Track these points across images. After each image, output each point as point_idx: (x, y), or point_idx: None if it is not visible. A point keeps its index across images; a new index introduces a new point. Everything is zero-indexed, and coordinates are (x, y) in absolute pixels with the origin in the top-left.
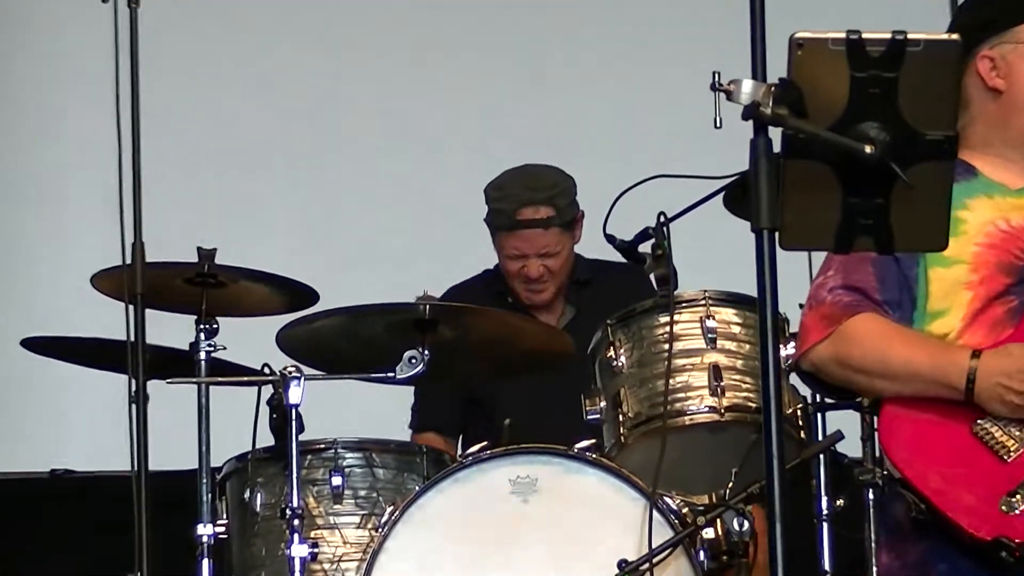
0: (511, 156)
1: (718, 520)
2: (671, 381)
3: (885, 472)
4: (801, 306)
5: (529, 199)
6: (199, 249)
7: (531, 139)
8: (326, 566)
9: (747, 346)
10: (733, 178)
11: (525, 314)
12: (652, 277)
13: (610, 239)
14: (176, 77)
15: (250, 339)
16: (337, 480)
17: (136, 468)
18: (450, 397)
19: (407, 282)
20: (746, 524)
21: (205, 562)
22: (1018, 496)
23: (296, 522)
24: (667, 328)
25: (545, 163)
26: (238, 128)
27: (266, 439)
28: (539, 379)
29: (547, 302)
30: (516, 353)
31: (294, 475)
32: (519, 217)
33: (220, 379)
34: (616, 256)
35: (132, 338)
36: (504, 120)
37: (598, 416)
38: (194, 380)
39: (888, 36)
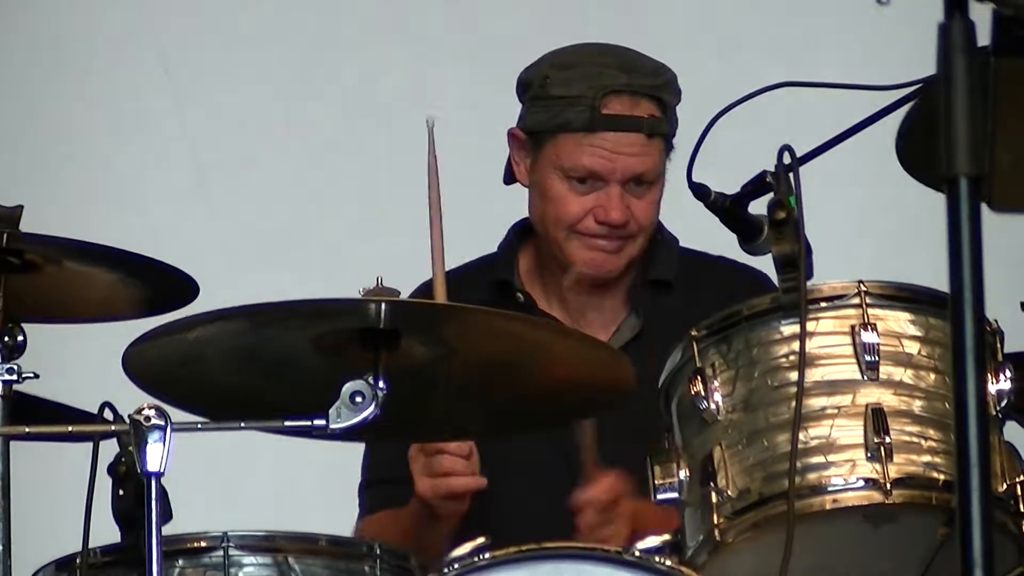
0: (509, 65)
1: None
2: (802, 436)
3: None
4: None
5: (626, 84)
6: None
7: (547, 33)
8: None
9: (931, 376)
10: (907, 90)
11: (548, 320)
12: (772, 256)
13: (699, 192)
14: None
15: (81, 361)
16: None
17: None
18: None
19: (346, 272)
20: None
21: None
22: None
23: None
24: (795, 345)
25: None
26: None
27: (108, 532)
28: (572, 430)
29: (617, 271)
30: (536, 389)
31: None
32: (607, 110)
33: (28, 429)
34: (715, 238)
35: None
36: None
37: (675, 495)
38: None
39: None
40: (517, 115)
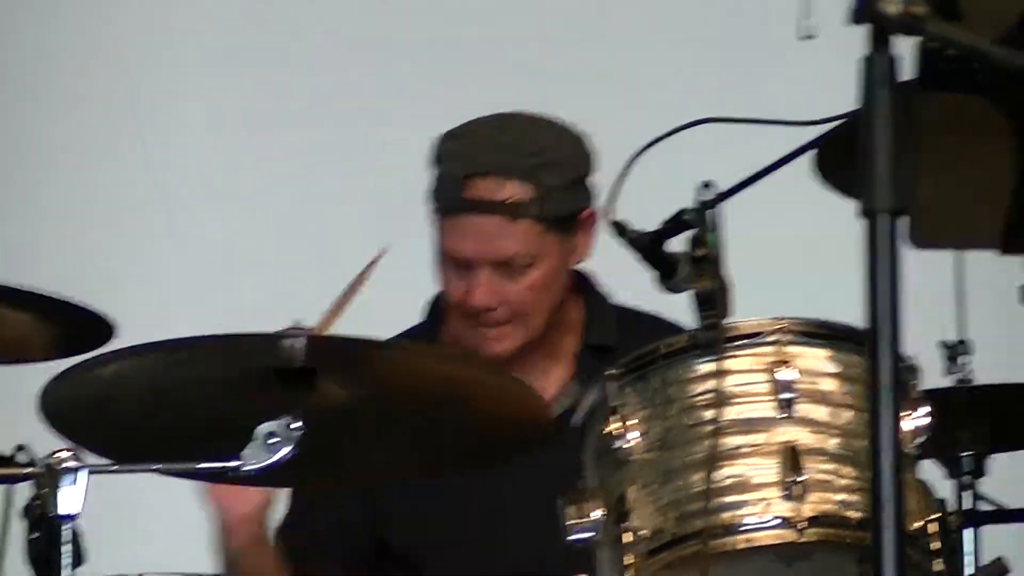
0: (456, 100)
1: None
2: (715, 475)
3: None
4: (946, 346)
5: (491, 163)
6: None
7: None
8: None
9: (847, 413)
10: (829, 126)
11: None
12: (690, 294)
13: (618, 230)
14: None
15: None
16: None
17: None
18: (345, 503)
19: (269, 308)
20: None
21: None
22: None
23: None
24: (712, 383)
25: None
26: None
27: None
28: (489, 471)
29: (507, 353)
30: (458, 427)
31: None
32: (468, 192)
33: None
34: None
35: None
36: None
37: (590, 533)
38: None
39: None
40: None
